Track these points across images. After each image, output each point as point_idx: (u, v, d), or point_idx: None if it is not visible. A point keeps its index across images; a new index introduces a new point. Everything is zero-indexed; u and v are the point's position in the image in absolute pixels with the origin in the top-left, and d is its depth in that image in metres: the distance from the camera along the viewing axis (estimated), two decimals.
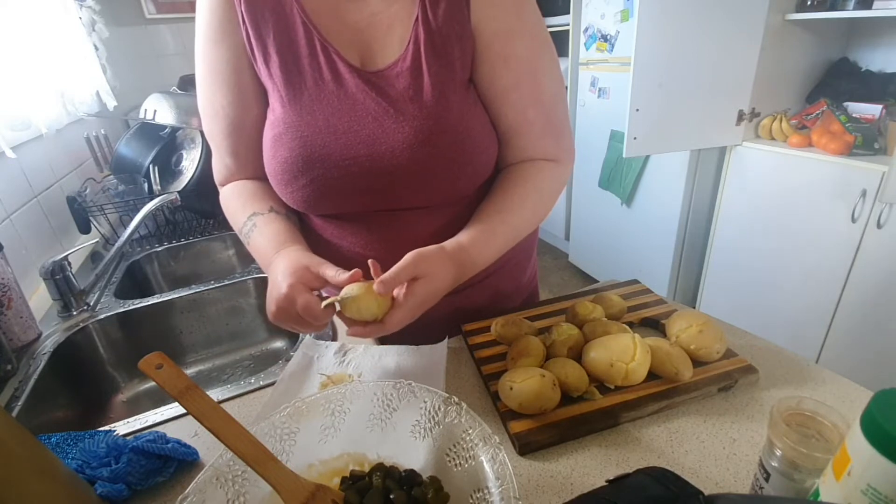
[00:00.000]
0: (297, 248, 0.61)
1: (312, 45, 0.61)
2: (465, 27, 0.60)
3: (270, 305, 0.56)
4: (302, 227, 0.74)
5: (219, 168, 0.73)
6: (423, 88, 0.60)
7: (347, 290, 0.53)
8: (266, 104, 0.65)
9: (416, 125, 0.59)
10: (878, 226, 1.49)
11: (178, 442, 0.57)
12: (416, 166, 0.61)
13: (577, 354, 0.62)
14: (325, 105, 0.61)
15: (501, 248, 0.66)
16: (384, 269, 0.56)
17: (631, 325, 0.70)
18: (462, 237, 0.62)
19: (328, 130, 0.60)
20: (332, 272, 0.55)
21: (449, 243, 0.61)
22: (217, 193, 0.75)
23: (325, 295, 0.57)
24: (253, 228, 0.65)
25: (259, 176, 0.70)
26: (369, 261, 0.55)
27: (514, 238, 0.68)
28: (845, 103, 1.74)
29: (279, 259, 0.59)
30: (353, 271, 0.54)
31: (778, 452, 0.39)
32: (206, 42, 0.64)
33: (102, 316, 0.99)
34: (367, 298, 0.53)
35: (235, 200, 0.70)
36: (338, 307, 0.54)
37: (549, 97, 0.66)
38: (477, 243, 0.62)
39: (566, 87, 2.68)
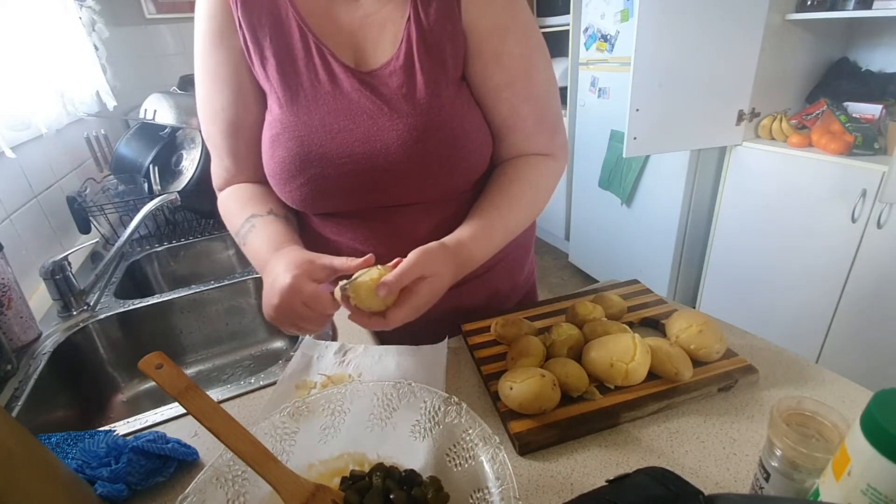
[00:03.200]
0: (297, 248, 0.60)
1: (308, 47, 0.61)
2: (456, 25, 0.61)
3: (272, 300, 0.53)
4: (300, 225, 0.74)
5: (218, 172, 0.73)
6: (416, 86, 0.60)
7: (356, 275, 0.52)
8: (265, 106, 0.66)
9: (411, 122, 0.60)
10: (878, 226, 1.49)
11: (178, 442, 0.57)
12: (411, 163, 0.61)
13: (577, 354, 0.62)
14: (321, 105, 0.61)
15: (500, 244, 0.66)
16: (382, 264, 0.55)
17: (631, 325, 0.70)
18: (462, 233, 0.62)
19: (324, 130, 0.61)
20: (339, 262, 0.55)
21: (450, 239, 0.61)
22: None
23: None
24: (251, 230, 0.65)
25: (258, 179, 0.70)
26: (369, 255, 0.55)
27: (512, 233, 0.68)
28: (845, 103, 1.74)
29: (278, 257, 0.57)
30: (367, 256, 0.54)
31: (778, 452, 0.39)
32: (204, 47, 0.64)
33: (102, 316, 0.99)
34: (369, 285, 0.51)
35: (233, 203, 0.69)
36: (344, 291, 0.52)
37: (542, 93, 0.66)
38: (476, 239, 0.62)
39: (566, 87, 2.69)
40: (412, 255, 0.55)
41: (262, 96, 0.66)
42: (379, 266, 0.54)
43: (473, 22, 0.61)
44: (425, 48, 0.60)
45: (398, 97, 0.60)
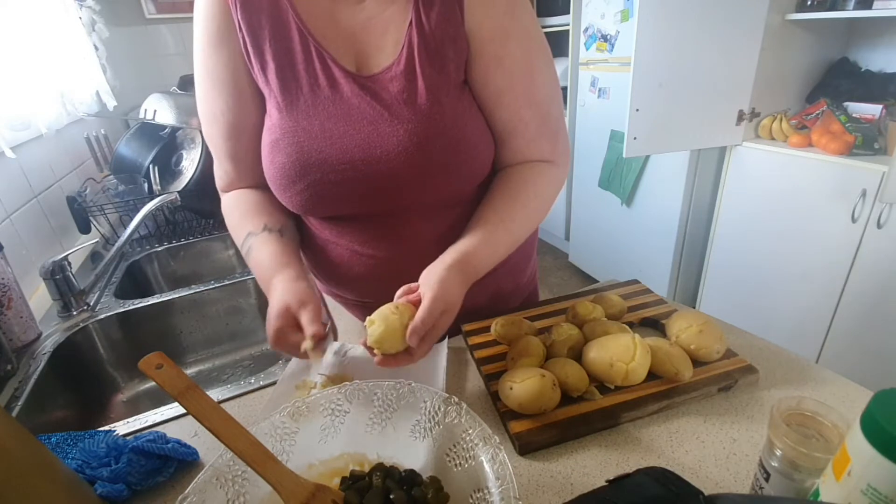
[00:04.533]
0: (290, 277, 0.60)
1: (308, 51, 0.61)
2: (458, 30, 0.60)
3: (267, 332, 0.58)
4: (300, 228, 0.74)
5: (219, 174, 0.73)
6: (417, 91, 0.60)
7: (376, 327, 0.53)
8: (264, 110, 0.65)
9: (411, 128, 0.59)
10: (878, 226, 1.49)
11: (178, 442, 0.57)
12: (411, 169, 0.61)
13: (577, 354, 0.62)
14: (321, 110, 0.61)
15: (503, 255, 0.66)
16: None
17: (631, 325, 0.70)
18: (466, 245, 0.61)
19: (324, 135, 0.61)
20: (306, 318, 0.55)
21: (454, 256, 0.59)
22: (217, 194, 0.75)
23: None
24: (250, 251, 0.66)
25: (258, 182, 0.70)
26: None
27: (515, 244, 0.67)
28: (845, 103, 1.74)
29: (273, 290, 0.60)
30: (314, 330, 0.54)
31: (778, 452, 0.39)
32: (204, 49, 0.64)
33: (102, 316, 0.99)
34: (396, 336, 0.52)
35: (234, 213, 0.70)
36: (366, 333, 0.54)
37: (544, 98, 0.66)
38: (480, 251, 0.61)
39: (566, 87, 2.69)
40: (430, 292, 0.54)
41: (261, 100, 0.65)
42: (392, 306, 0.54)
43: (476, 26, 0.61)
44: (427, 53, 0.60)
45: (399, 102, 0.60)
